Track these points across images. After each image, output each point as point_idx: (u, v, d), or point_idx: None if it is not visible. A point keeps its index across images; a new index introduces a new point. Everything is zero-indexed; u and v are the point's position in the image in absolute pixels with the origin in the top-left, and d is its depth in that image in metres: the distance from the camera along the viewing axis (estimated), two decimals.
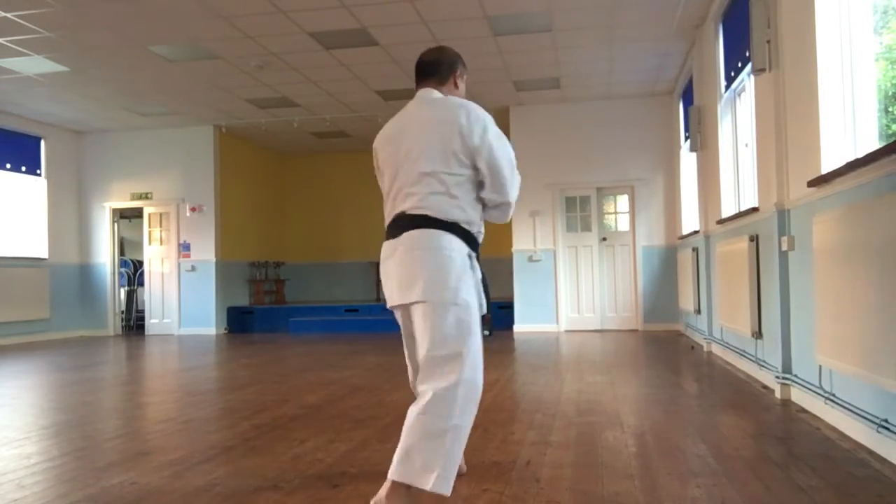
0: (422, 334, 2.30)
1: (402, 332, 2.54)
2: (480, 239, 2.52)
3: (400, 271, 2.35)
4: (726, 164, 6.20)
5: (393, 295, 2.40)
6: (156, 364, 7.13)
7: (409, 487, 2.20)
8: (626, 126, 9.61)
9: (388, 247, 2.44)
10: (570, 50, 7.62)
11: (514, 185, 2.49)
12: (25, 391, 5.40)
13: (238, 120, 10.43)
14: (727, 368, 5.60)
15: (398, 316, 2.51)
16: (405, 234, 2.36)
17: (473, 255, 2.44)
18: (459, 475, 2.37)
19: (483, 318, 2.46)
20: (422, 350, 2.29)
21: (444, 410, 2.20)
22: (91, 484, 2.75)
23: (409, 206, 2.36)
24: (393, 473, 2.18)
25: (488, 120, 2.43)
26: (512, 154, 2.50)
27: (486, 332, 2.52)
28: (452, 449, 2.20)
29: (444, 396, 2.21)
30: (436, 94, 2.53)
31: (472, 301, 2.35)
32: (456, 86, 2.62)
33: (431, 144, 2.36)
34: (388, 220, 2.48)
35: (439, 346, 2.26)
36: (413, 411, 2.23)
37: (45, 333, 10.24)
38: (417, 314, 2.32)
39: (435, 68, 2.57)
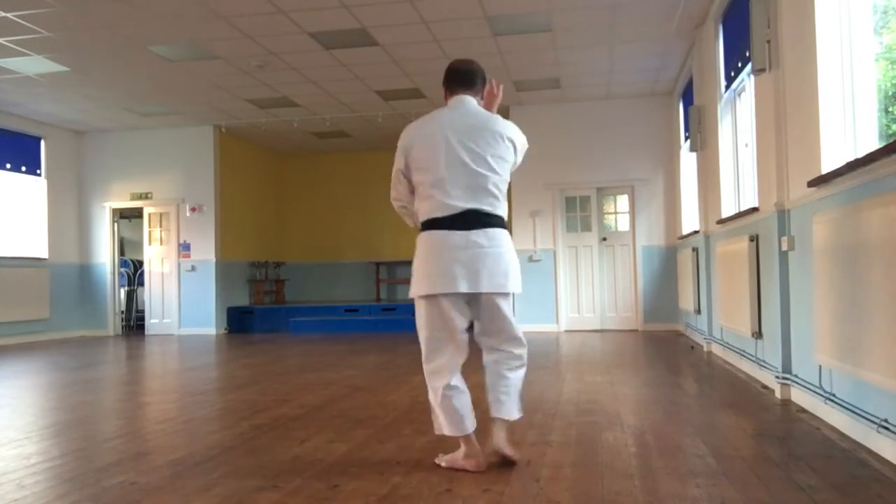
0: (503, 316, 2.82)
1: (449, 317, 2.74)
2: None
3: (488, 263, 2.71)
4: (726, 164, 6.20)
5: (481, 282, 2.70)
6: (156, 364, 7.13)
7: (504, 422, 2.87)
8: (626, 126, 9.61)
9: (459, 237, 2.69)
10: (570, 50, 7.62)
11: None
12: (25, 391, 5.40)
13: (238, 120, 10.43)
14: (727, 368, 5.60)
15: (453, 300, 2.73)
16: (489, 231, 2.72)
17: None
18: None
19: None
20: (504, 328, 2.84)
21: (523, 370, 2.93)
22: (91, 484, 2.75)
23: (479, 205, 2.71)
24: (509, 414, 2.85)
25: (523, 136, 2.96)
26: None
27: None
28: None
29: (524, 359, 2.92)
30: (474, 102, 2.84)
31: None
32: (483, 98, 2.91)
33: (491, 151, 2.74)
34: (442, 212, 2.70)
35: (516, 326, 2.90)
36: (502, 370, 2.85)
37: (45, 333, 10.24)
38: (500, 300, 2.79)
39: (473, 79, 2.85)
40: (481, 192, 2.71)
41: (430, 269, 2.71)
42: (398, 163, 2.84)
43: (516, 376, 2.90)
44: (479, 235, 2.70)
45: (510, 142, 2.81)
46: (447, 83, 2.89)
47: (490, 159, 2.73)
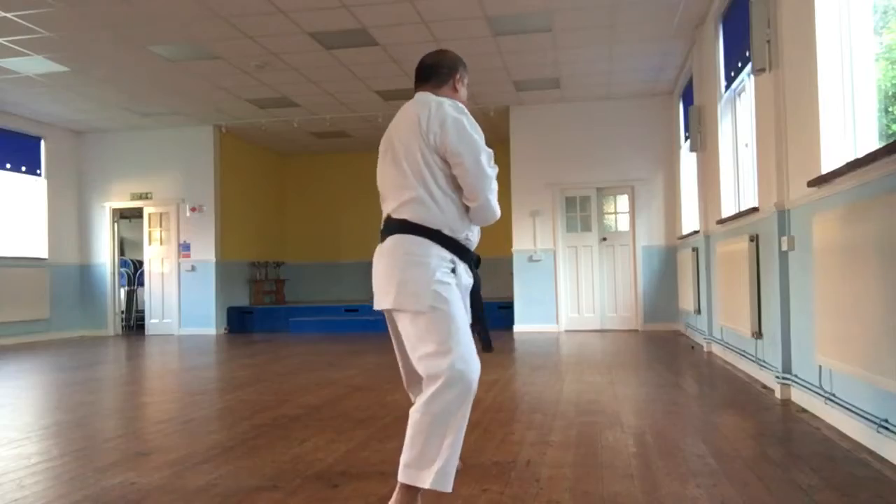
0: (407, 339, 2.30)
1: (392, 336, 2.50)
2: (472, 245, 2.43)
3: (380, 276, 2.35)
4: (726, 164, 6.20)
5: (378, 299, 2.37)
6: (156, 364, 7.13)
7: (418, 490, 2.21)
8: (626, 126, 9.61)
9: (377, 250, 2.43)
10: (570, 50, 7.62)
11: (483, 181, 2.31)
12: (25, 391, 5.40)
13: (238, 120, 10.43)
14: (727, 368, 5.60)
15: (387, 318, 2.47)
16: (388, 239, 2.36)
17: (458, 261, 2.36)
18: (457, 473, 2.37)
19: (473, 329, 2.44)
20: (416, 352, 2.27)
21: (436, 408, 2.18)
22: (91, 484, 2.75)
23: (392, 209, 2.36)
24: (400, 476, 2.20)
25: (451, 115, 2.30)
26: (479, 148, 2.31)
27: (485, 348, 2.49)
28: (452, 445, 2.19)
29: (435, 394, 2.18)
30: (430, 96, 2.42)
31: (448, 307, 2.26)
32: (455, 89, 2.53)
33: (406, 147, 2.32)
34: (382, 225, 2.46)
35: (423, 348, 2.24)
36: (411, 411, 2.24)
37: (45, 333, 10.24)
38: (402, 320, 2.30)
39: (433, 71, 2.51)
40: (397, 195, 2.35)
41: None
42: None
43: (427, 412, 2.18)
44: (383, 246, 2.37)
45: (423, 124, 2.29)
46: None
47: (408, 154, 2.31)
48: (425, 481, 2.15)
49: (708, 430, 3.45)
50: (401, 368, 2.58)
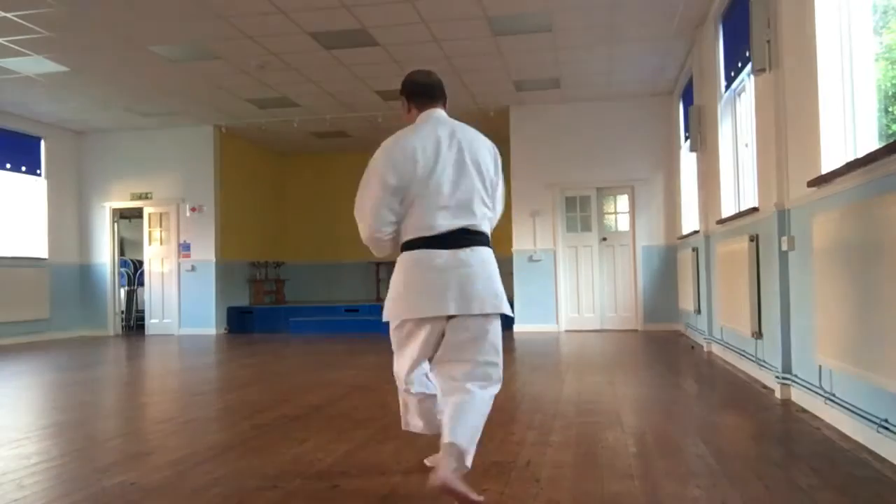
0: (483, 341, 2.51)
1: (424, 339, 2.51)
2: None
3: (479, 283, 2.48)
4: (726, 164, 6.20)
5: (471, 305, 2.45)
6: (156, 364, 7.13)
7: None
8: (626, 126, 9.61)
9: (451, 256, 2.45)
10: (570, 50, 7.62)
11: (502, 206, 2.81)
12: (25, 391, 5.40)
13: (238, 120, 10.42)
14: (727, 368, 5.60)
15: (430, 323, 2.48)
16: (478, 249, 2.52)
17: None
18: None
19: None
20: (485, 356, 2.51)
21: (490, 405, 2.53)
22: (91, 484, 2.75)
23: (475, 222, 2.52)
24: (459, 438, 2.36)
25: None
26: None
27: None
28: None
29: (492, 395, 2.55)
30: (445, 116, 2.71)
31: None
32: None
33: (487, 168, 2.59)
34: (439, 229, 2.45)
35: (492, 354, 2.54)
36: (471, 393, 2.45)
37: (45, 333, 10.23)
38: (487, 323, 2.51)
39: (441, 92, 2.74)
40: (479, 209, 2.53)
41: (414, 291, 2.48)
42: (387, 183, 2.46)
43: (487, 404, 2.53)
44: (474, 254, 2.49)
45: (495, 158, 2.65)
46: (415, 97, 2.69)
47: (488, 174, 2.58)
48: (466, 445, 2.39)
49: (708, 430, 3.45)
50: (415, 368, 2.60)
